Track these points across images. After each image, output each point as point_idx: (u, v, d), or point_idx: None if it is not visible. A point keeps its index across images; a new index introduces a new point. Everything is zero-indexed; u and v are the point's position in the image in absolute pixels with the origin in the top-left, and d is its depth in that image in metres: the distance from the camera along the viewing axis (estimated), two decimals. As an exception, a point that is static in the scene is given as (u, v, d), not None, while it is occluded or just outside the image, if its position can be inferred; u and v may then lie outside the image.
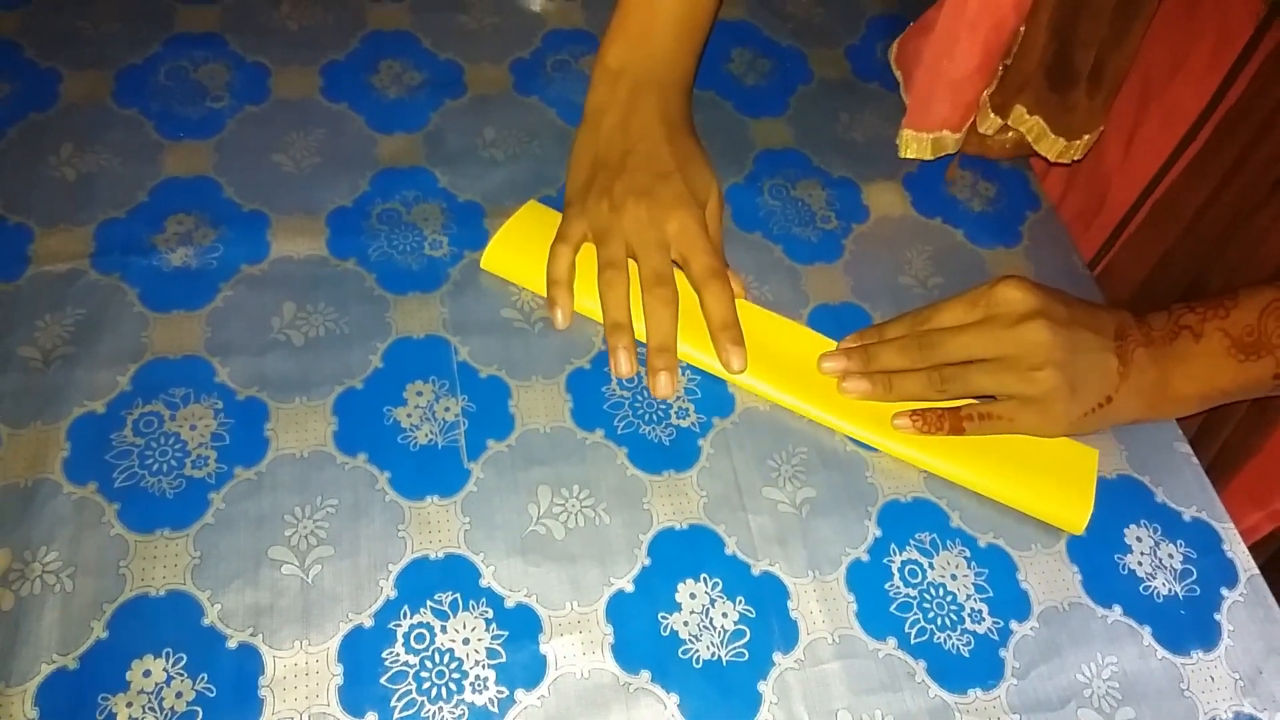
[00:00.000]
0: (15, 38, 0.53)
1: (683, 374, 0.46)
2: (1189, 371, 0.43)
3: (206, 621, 0.36)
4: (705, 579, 0.40)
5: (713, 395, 0.45)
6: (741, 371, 0.45)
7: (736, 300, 0.47)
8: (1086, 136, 0.51)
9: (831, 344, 0.47)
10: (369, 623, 0.37)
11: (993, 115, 0.52)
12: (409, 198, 0.50)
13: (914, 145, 0.53)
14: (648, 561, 0.40)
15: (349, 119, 0.53)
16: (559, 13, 0.60)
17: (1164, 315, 0.44)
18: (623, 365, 0.45)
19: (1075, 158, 0.52)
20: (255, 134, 0.51)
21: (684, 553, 0.40)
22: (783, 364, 0.46)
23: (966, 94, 0.51)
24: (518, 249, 0.48)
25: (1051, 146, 0.51)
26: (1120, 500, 0.44)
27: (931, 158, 0.54)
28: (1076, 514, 0.43)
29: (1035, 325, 0.42)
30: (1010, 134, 0.53)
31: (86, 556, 0.37)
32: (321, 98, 0.53)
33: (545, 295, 0.47)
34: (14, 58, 0.52)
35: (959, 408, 0.44)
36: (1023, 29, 0.49)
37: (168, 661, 0.35)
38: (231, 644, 0.36)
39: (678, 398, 0.45)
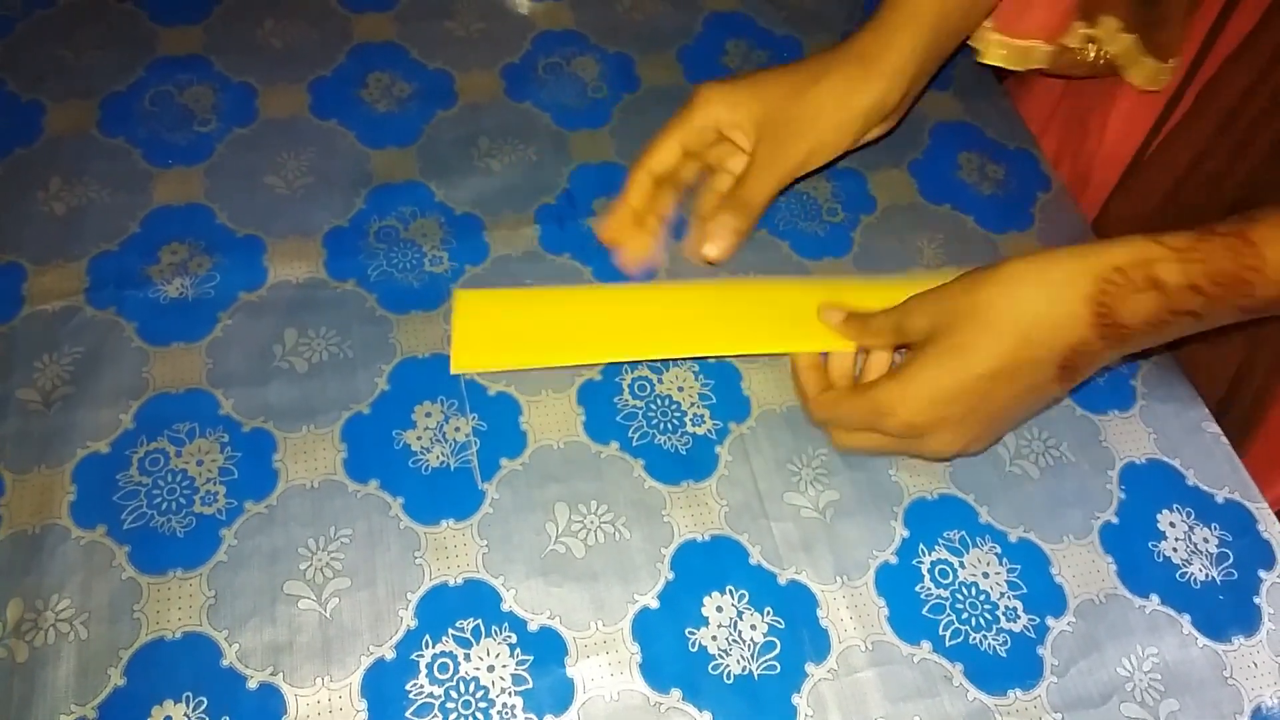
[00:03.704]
0: (-4, 71, 0.52)
1: (695, 378, 0.45)
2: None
3: (225, 662, 0.36)
4: (731, 591, 0.39)
5: (728, 399, 0.44)
6: (714, 259, 0.45)
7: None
8: (1173, 61, 0.47)
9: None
10: (390, 655, 0.36)
11: (1079, 25, 0.47)
12: (405, 213, 0.49)
13: (1000, 51, 0.48)
14: (671, 576, 0.39)
15: (340, 135, 0.51)
16: (547, 13, 0.59)
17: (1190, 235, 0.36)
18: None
19: (1159, 85, 0.48)
20: (245, 156, 0.50)
21: (708, 565, 0.39)
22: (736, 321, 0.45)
23: None
24: (484, 340, 0.44)
25: (1140, 70, 0.47)
26: (1151, 485, 0.43)
27: (1017, 68, 0.49)
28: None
29: (937, 442, 0.38)
30: (1093, 51, 0.49)
31: (99, 602, 0.36)
32: (311, 115, 0.52)
33: (536, 366, 0.44)
34: (-4, 92, 0.51)
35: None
36: None
37: (189, 706, 0.35)
38: (252, 684, 0.35)
39: (691, 403, 0.44)
